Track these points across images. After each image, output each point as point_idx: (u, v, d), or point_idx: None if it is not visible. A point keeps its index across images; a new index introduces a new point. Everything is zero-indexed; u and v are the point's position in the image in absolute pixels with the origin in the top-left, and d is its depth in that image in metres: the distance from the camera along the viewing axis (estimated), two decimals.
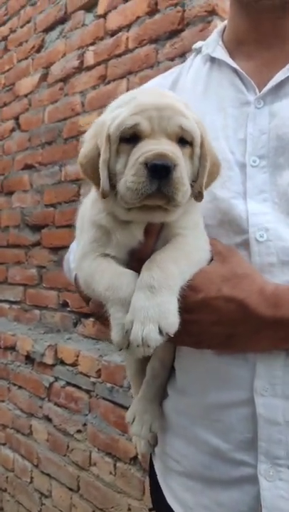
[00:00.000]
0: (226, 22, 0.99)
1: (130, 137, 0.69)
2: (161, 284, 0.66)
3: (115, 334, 0.67)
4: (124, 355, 1.13)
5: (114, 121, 0.71)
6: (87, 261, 0.76)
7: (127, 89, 2.19)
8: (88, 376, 2.22)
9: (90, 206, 0.80)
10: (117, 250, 0.75)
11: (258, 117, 0.83)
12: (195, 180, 0.74)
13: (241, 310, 0.71)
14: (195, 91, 0.94)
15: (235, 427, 0.78)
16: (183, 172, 0.66)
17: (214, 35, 0.98)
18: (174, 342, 0.76)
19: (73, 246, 1.11)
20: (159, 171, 0.64)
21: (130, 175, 0.66)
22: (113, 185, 0.71)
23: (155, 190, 0.65)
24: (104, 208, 0.75)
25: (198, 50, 1.00)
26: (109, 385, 2.10)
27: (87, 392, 2.24)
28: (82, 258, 0.78)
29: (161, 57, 2.04)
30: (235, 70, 0.89)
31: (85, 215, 0.82)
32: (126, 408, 1.98)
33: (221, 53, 0.92)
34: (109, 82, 2.29)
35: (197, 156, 0.73)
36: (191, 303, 0.69)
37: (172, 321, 0.64)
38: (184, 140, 0.71)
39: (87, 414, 2.24)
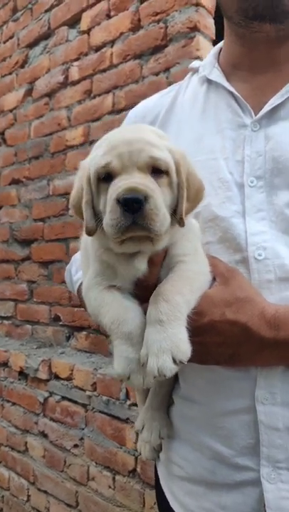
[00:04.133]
0: (221, 44, 1.02)
1: (105, 176, 0.71)
2: (169, 317, 0.68)
3: (118, 365, 0.69)
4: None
5: (92, 162, 0.74)
6: (93, 293, 0.79)
7: (113, 104, 2.23)
8: (84, 390, 2.22)
9: (90, 240, 0.82)
10: (121, 282, 0.77)
11: (255, 140, 0.86)
12: (174, 210, 0.75)
13: (244, 332, 0.75)
14: (193, 111, 0.96)
15: (238, 433, 0.82)
16: (157, 203, 0.67)
17: (210, 58, 1.00)
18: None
19: (76, 257, 1.12)
20: (131, 205, 0.66)
21: (108, 212, 0.68)
22: (101, 223, 0.74)
23: (131, 223, 0.66)
24: (102, 244, 0.77)
25: (196, 70, 1.03)
26: (105, 397, 2.11)
27: (83, 406, 2.24)
28: (88, 290, 0.80)
29: (145, 72, 2.08)
30: (231, 93, 0.92)
31: (88, 246, 0.84)
32: (123, 421, 2.02)
33: (218, 76, 0.95)
34: (94, 97, 2.33)
35: (175, 184, 0.74)
36: (197, 327, 0.72)
37: (184, 349, 0.67)
38: (158, 170, 0.71)
39: (83, 428, 2.24)
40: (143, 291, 0.75)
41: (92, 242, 0.81)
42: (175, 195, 0.74)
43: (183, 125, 0.96)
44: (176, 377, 0.98)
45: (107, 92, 2.25)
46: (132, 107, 2.10)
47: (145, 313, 0.73)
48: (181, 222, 0.74)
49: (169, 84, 2.04)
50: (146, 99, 1.13)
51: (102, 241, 0.76)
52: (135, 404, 1.97)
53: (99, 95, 2.30)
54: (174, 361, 0.66)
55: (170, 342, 0.66)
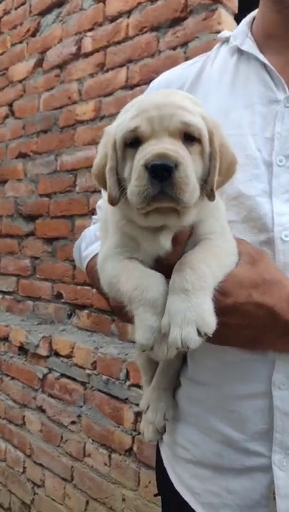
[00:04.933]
0: (254, 13, 0.97)
1: (133, 141, 0.68)
2: (195, 286, 0.66)
3: (141, 336, 0.66)
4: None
5: (118, 127, 0.71)
6: (111, 263, 0.76)
7: (126, 78, 2.16)
8: (83, 368, 2.23)
9: (111, 211, 0.79)
10: (143, 256, 0.75)
11: (287, 117, 0.83)
12: (205, 181, 0.72)
13: (270, 316, 0.73)
14: (221, 84, 0.92)
15: (251, 418, 0.81)
16: (187, 171, 0.65)
17: (243, 27, 0.96)
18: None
19: (86, 233, 1.10)
20: (160, 172, 0.63)
21: (134, 179, 0.65)
22: (125, 192, 0.70)
23: (159, 192, 0.63)
24: (125, 215, 0.75)
25: (225, 40, 0.98)
26: (104, 377, 2.11)
27: (82, 384, 2.24)
28: (104, 260, 0.78)
29: (162, 46, 2.00)
30: (264, 65, 0.88)
31: (108, 219, 0.81)
32: (121, 400, 2.03)
33: (250, 46, 0.91)
34: (107, 70, 2.26)
35: (207, 154, 0.71)
36: (220, 307, 0.69)
37: (210, 322, 0.65)
38: (190, 137, 0.68)
39: (81, 406, 2.25)
40: (163, 270, 0.72)
41: (114, 213, 0.78)
42: (206, 165, 0.71)
43: (210, 97, 0.92)
44: (184, 358, 0.97)
45: (121, 65, 2.18)
46: (147, 82, 2.05)
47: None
48: (211, 196, 0.70)
49: (186, 59, 1.99)
50: (167, 70, 1.08)
51: (125, 212, 0.73)
52: (135, 385, 1.97)
53: (112, 69, 2.23)
54: (199, 333, 0.64)
55: (195, 312, 0.64)
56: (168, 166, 0.62)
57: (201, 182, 0.70)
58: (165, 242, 0.72)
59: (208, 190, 0.70)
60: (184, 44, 1.90)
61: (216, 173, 0.70)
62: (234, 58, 0.93)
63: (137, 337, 0.67)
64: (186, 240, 0.74)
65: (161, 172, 0.62)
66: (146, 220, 0.69)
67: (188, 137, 0.68)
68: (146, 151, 0.65)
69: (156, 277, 0.71)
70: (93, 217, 1.17)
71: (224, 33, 0.99)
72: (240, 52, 0.92)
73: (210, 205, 0.74)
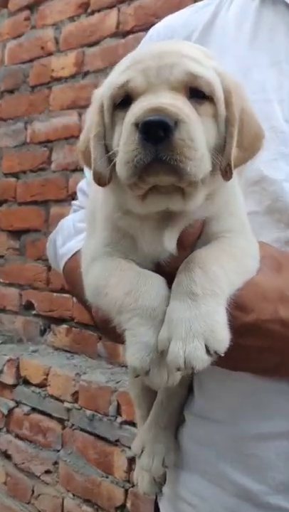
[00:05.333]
0: None
1: (124, 100, 0.67)
2: (206, 290, 0.66)
3: (134, 356, 0.65)
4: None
5: (106, 85, 0.71)
6: (101, 262, 0.76)
7: (117, 23, 2.18)
8: (61, 400, 2.22)
9: (101, 198, 0.79)
10: (140, 259, 0.75)
11: None
12: (220, 152, 0.71)
13: None
14: (240, 35, 0.93)
15: (274, 464, 0.82)
16: (192, 132, 0.63)
17: None
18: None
19: (63, 223, 1.10)
20: (154, 131, 0.60)
21: (122, 144, 0.64)
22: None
23: (153, 159, 0.61)
24: (119, 205, 0.74)
25: None
26: (89, 412, 2.11)
27: (60, 421, 2.24)
28: (93, 261, 0.78)
29: None
30: None
31: (97, 209, 0.81)
32: (111, 442, 2.02)
33: None
34: (92, 13, 2.27)
35: (222, 118, 0.69)
36: (238, 325, 0.69)
37: (222, 336, 0.64)
38: (198, 93, 0.67)
39: (59, 450, 2.25)
40: (166, 277, 0.72)
41: (105, 202, 0.78)
42: (222, 132, 0.69)
43: (224, 52, 0.92)
44: (189, 388, 0.97)
45: (110, 7, 2.19)
46: (143, 29, 2.06)
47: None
48: (228, 172, 0.69)
49: (195, 1, 1.99)
50: (173, 14, 1.08)
51: (119, 198, 0.73)
52: (128, 423, 1.97)
53: (98, 11, 2.24)
54: (207, 351, 0.63)
55: (204, 323, 0.63)
56: (164, 123, 0.60)
57: (213, 153, 0.69)
58: (169, 243, 0.72)
59: (223, 166, 0.69)
60: None
61: (234, 142, 0.69)
62: (256, 2, 0.94)
63: (128, 358, 0.66)
64: (194, 242, 0.75)
65: (156, 131, 0.60)
66: (144, 205, 0.68)
67: (197, 94, 0.67)
68: (138, 107, 0.63)
69: (156, 279, 0.70)
70: (73, 202, 1.18)
71: None
72: None
73: (225, 194, 0.74)
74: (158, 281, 0.71)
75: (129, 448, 1.92)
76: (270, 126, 0.83)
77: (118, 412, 2.01)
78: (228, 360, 0.68)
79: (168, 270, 0.73)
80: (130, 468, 1.97)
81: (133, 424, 1.94)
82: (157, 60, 0.66)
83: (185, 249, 0.73)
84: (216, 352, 0.63)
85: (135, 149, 0.62)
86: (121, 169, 0.64)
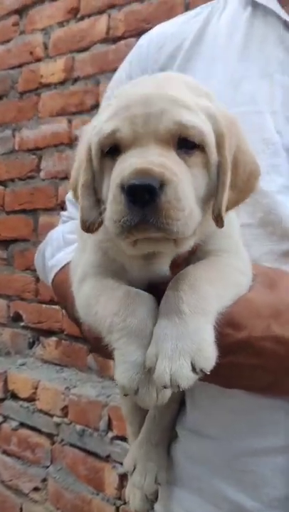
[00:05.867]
0: None
1: (112, 149, 0.68)
2: (193, 308, 0.66)
3: (122, 375, 0.66)
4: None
5: (95, 128, 0.71)
6: (91, 281, 0.77)
7: (107, 29, 2.19)
8: (50, 415, 2.22)
9: None
10: (131, 283, 0.76)
11: None
12: (212, 200, 0.71)
13: None
14: (230, 45, 0.94)
15: (269, 480, 0.83)
16: (179, 192, 0.63)
17: None
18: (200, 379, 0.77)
19: (53, 234, 1.10)
20: (139, 195, 0.61)
21: (109, 202, 0.65)
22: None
23: (140, 220, 0.62)
24: (108, 238, 0.74)
25: None
26: (79, 427, 2.11)
27: (49, 436, 2.24)
28: (82, 280, 0.79)
29: None
30: (285, 23, 0.90)
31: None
32: (102, 458, 2.01)
33: None
34: (82, 18, 2.28)
35: (214, 165, 0.69)
36: (230, 343, 0.70)
37: (208, 354, 0.65)
38: (188, 143, 0.67)
39: (48, 466, 2.24)
40: (158, 297, 0.72)
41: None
42: (213, 180, 0.70)
43: (215, 63, 0.94)
44: (182, 402, 0.97)
45: (101, 12, 2.19)
46: (134, 34, 2.06)
47: None
48: (218, 221, 0.70)
49: (187, 7, 1.99)
50: (163, 23, 1.09)
51: (109, 238, 0.73)
52: (119, 438, 1.97)
53: (88, 16, 2.25)
54: (193, 368, 0.63)
55: (190, 341, 0.64)
56: (150, 187, 0.61)
57: (204, 202, 0.69)
58: (161, 269, 0.74)
59: (214, 214, 0.70)
60: None
61: (226, 191, 0.69)
62: (247, 12, 0.95)
63: (117, 377, 0.67)
64: (187, 261, 0.75)
65: (141, 195, 0.61)
66: (135, 249, 0.68)
67: (186, 144, 0.67)
68: (123, 165, 0.64)
69: (144, 298, 0.71)
70: (62, 213, 1.18)
71: None
72: (254, 4, 0.94)
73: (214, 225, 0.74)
74: (146, 300, 0.71)
75: (121, 464, 1.92)
76: (262, 138, 0.85)
77: (109, 427, 2.01)
78: (221, 378, 0.69)
79: (162, 289, 0.73)
80: (122, 485, 1.96)
81: (124, 439, 1.92)
82: (144, 107, 0.66)
83: (178, 269, 0.74)
84: (202, 370, 0.64)
85: (122, 210, 0.63)
86: (109, 225, 0.65)
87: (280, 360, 0.74)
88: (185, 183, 0.65)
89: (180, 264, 0.74)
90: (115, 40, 2.15)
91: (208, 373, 0.64)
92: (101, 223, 0.71)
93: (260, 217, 0.84)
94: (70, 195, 1.13)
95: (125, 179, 0.62)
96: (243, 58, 0.92)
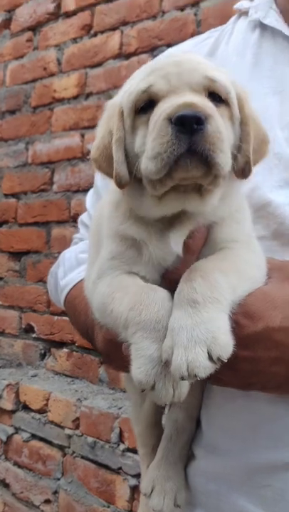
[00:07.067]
0: None
1: (146, 105, 0.72)
2: (207, 298, 0.68)
3: (139, 369, 0.67)
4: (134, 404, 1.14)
5: (126, 93, 0.76)
6: (106, 280, 0.79)
7: (120, 45, 2.22)
8: (62, 427, 2.21)
9: (108, 214, 0.83)
10: (147, 269, 0.78)
11: None
12: (238, 151, 0.76)
13: None
14: (241, 65, 0.97)
15: (287, 494, 0.82)
16: (220, 126, 0.69)
17: None
18: (215, 382, 0.78)
19: (65, 256, 1.12)
20: (188, 124, 0.65)
21: (151, 140, 0.68)
22: (134, 175, 0.74)
23: (186, 150, 0.66)
24: (130, 213, 0.78)
25: (243, 13, 1.04)
26: (90, 439, 2.10)
27: (61, 448, 2.23)
28: (98, 279, 0.81)
29: (166, 5, 2.07)
30: None
31: (103, 227, 0.84)
32: (113, 470, 2.01)
33: (276, 20, 0.96)
34: (95, 35, 2.32)
35: (237, 120, 0.76)
36: (246, 335, 0.71)
37: (225, 342, 0.66)
38: (216, 96, 0.73)
39: (59, 479, 2.23)
40: (171, 287, 0.74)
41: (112, 217, 0.81)
42: (237, 133, 0.76)
43: None
44: (197, 423, 0.97)
45: (113, 28, 2.24)
46: (146, 51, 2.10)
47: None
48: (246, 170, 0.75)
49: (199, 24, 2.03)
50: (174, 46, 1.14)
51: (135, 201, 0.77)
52: (131, 450, 1.96)
53: (101, 32, 2.29)
54: (210, 357, 0.64)
55: (205, 330, 0.65)
56: (198, 117, 0.65)
57: (231, 152, 0.73)
58: (176, 245, 0.75)
59: (241, 163, 0.75)
60: (195, 3, 1.97)
61: (251, 140, 0.75)
62: (256, 34, 0.98)
63: (133, 372, 0.68)
64: (199, 247, 0.77)
65: (190, 124, 0.65)
66: (161, 205, 0.72)
67: (214, 97, 0.73)
68: (167, 106, 0.68)
69: (159, 293, 0.73)
70: (74, 236, 1.20)
71: (242, 3, 1.04)
72: (262, 26, 0.98)
73: (235, 200, 0.78)
74: (161, 294, 0.73)
75: (133, 476, 1.92)
76: (274, 152, 0.87)
77: (120, 439, 2.00)
78: (239, 375, 0.69)
79: (174, 278, 0.75)
80: (133, 498, 1.95)
81: (136, 451, 1.90)
82: (177, 67, 0.72)
83: (191, 255, 0.76)
84: (219, 358, 0.64)
85: (169, 141, 0.66)
86: (149, 164, 0.68)
87: None
88: (220, 121, 0.70)
89: (193, 248, 0.77)
90: (128, 56, 2.20)
91: (226, 361, 0.65)
92: (130, 179, 0.74)
93: (274, 229, 0.86)
94: (82, 218, 1.17)
95: (173, 111, 0.66)
96: (254, 77, 0.95)
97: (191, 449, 0.98)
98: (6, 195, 2.67)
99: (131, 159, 0.74)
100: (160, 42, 2.07)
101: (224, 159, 0.68)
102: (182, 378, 0.64)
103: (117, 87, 2.25)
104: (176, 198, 0.71)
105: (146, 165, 0.69)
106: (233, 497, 0.88)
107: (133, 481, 1.94)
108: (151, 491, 0.98)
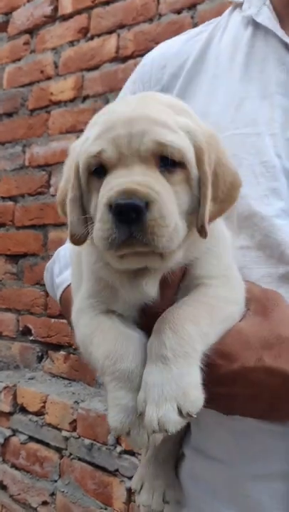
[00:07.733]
0: None
1: (98, 168, 0.71)
2: (176, 353, 0.68)
3: (114, 418, 0.69)
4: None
5: (82, 148, 0.74)
6: (85, 318, 0.79)
7: (117, 48, 2.24)
8: (59, 429, 2.22)
9: (85, 251, 0.82)
10: (123, 307, 0.78)
11: None
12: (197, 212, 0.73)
13: (286, 385, 0.75)
14: (233, 64, 0.94)
15: (267, 505, 0.83)
16: (163, 210, 0.66)
17: None
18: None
19: (61, 252, 1.12)
20: (126, 214, 0.65)
21: (97, 221, 0.68)
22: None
23: (127, 237, 0.66)
24: (99, 257, 0.77)
25: (238, 5, 1.01)
26: (87, 441, 2.11)
27: (58, 450, 2.24)
28: (78, 313, 0.81)
29: (163, 8, 2.08)
30: (285, 44, 0.90)
31: (82, 259, 0.84)
32: (110, 472, 2.02)
33: (268, 19, 0.93)
34: (92, 38, 2.34)
35: (195, 180, 0.73)
36: (223, 374, 0.72)
37: (194, 398, 0.67)
38: (170, 161, 0.70)
39: (56, 480, 2.24)
40: (151, 321, 0.74)
41: (89, 253, 0.80)
42: (195, 194, 0.73)
43: (217, 83, 0.95)
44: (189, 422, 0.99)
45: (110, 32, 2.25)
46: (143, 54, 2.10)
47: None
48: (202, 233, 0.72)
49: (195, 26, 2.02)
50: (166, 41, 1.11)
51: (98, 253, 0.76)
52: (128, 452, 1.98)
53: (98, 36, 2.30)
54: (180, 412, 0.66)
55: (175, 386, 0.66)
56: (136, 206, 0.64)
57: (188, 215, 0.72)
58: (149, 289, 0.74)
59: (198, 226, 0.72)
60: (192, 6, 1.97)
61: (207, 203, 0.71)
62: (248, 32, 0.96)
63: (109, 419, 0.70)
64: (177, 282, 0.77)
65: (128, 214, 0.65)
66: (122, 263, 0.71)
67: (168, 161, 0.70)
68: (110, 186, 0.67)
69: (134, 341, 0.74)
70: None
71: None
72: (255, 24, 0.95)
73: (207, 239, 0.74)
74: (135, 342, 0.74)
75: (130, 478, 1.93)
76: (261, 161, 0.86)
77: (117, 441, 2.01)
78: (219, 407, 0.71)
79: (154, 312, 0.75)
80: (130, 500, 1.96)
81: (133, 453, 1.95)
82: (127, 127, 0.69)
83: (169, 290, 0.76)
84: (188, 414, 0.66)
85: (109, 228, 0.66)
86: (98, 242, 0.68)
87: (273, 391, 0.75)
88: (168, 201, 0.68)
89: (170, 285, 0.76)
90: (124, 59, 2.21)
91: (195, 416, 0.66)
92: (86, 237, 0.73)
93: (259, 240, 0.85)
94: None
95: (112, 199, 0.65)
96: (245, 78, 0.92)
97: (181, 450, 1.00)
98: (3, 198, 2.69)
99: (89, 217, 0.74)
100: (157, 45, 2.05)
101: (167, 242, 0.67)
102: (154, 431, 0.66)
103: (113, 90, 2.27)
104: (135, 258, 0.70)
105: (96, 240, 0.69)
106: (214, 502, 0.89)
107: (130, 483, 1.93)
108: (141, 487, 1.01)
